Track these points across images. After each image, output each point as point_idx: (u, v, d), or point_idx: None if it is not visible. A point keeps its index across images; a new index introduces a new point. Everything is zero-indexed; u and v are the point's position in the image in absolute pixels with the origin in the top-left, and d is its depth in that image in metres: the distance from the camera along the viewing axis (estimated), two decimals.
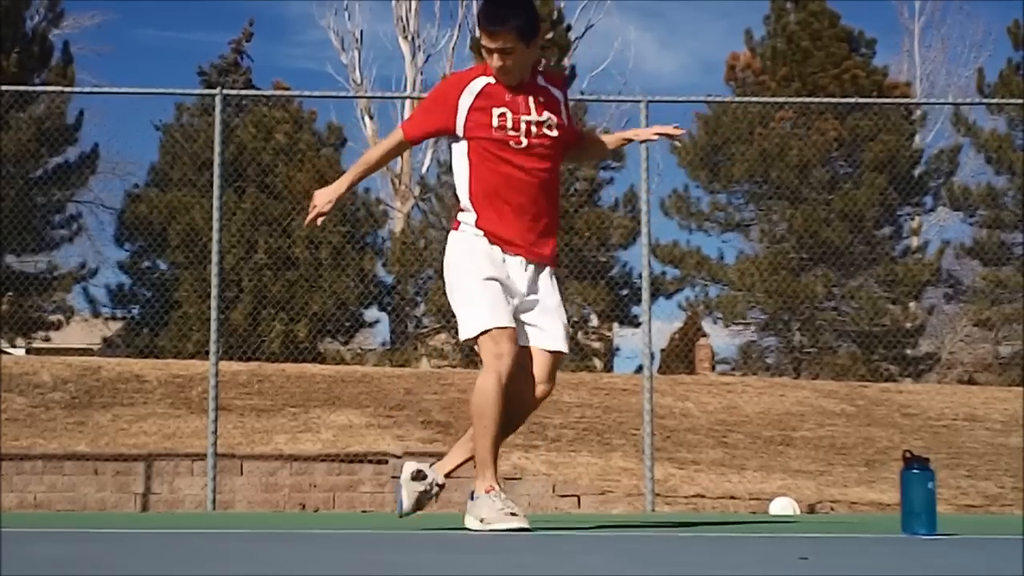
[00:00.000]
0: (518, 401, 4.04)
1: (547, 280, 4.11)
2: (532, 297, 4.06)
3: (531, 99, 4.02)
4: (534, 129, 4.01)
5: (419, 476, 4.10)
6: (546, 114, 4.04)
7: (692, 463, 8.98)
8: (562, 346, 4.09)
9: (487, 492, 3.89)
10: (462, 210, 4.10)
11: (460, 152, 4.06)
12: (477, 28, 4.07)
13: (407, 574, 2.19)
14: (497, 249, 4.01)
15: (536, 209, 4.04)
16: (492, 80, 4.01)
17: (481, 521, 3.85)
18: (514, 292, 4.02)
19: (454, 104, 4.01)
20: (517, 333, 4.01)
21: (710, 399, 10.69)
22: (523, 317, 4.05)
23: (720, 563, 2.53)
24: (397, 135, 4.21)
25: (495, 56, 3.95)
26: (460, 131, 4.02)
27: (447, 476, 4.16)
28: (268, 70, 47.02)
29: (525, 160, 4.00)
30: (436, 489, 4.13)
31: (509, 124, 3.98)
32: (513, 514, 3.82)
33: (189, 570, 2.21)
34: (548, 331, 4.06)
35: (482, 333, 3.94)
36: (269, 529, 4.25)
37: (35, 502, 8.16)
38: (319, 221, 4.23)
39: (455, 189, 4.17)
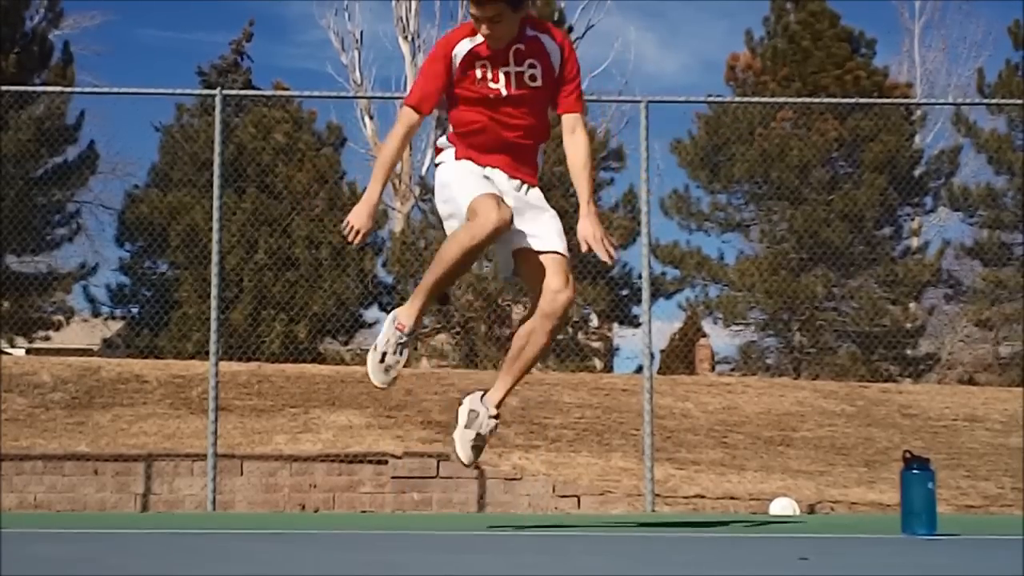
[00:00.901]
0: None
1: (536, 195, 4.21)
2: (520, 205, 4.12)
3: (512, 49, 4.07)
4: (515, 80, 4.09)
5: (473, 417, 4.11)
6: (527, 63, 4.09)
7: (692, 463, 8.97)
8: (558, 246, 4.11)
9: (399, 328, 4.07)
10: (442, 145, 4.27)
11: (447, 95, 4.20)
12: None
13: (407, 574, 2.19)
14: (479, 167, 4.15)
15: (516, 152, 4.17)
16: (478, 41, 4.08)
17: (374, 348, 4.09)
18: (504, 195, 4.10)
19: (445, 72, 4.10)
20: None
21: (710, 399, 10.69)
22: (515, 222, 4.09)
23: (720, 563, 2.53)
24: (409, 117, 4.20)
25: (484, 25, 4.01)
26: (451, 87, 4.15)
27: (498, 407, 4.16)
28: (268, 70, 47.04)
29: (507, 110, 4.11)
30: (491, 426, 4.13)
31: (490, 76, 4.08)
32: (389, 369, 4.06)
33: (189, 570, 2.21)
34: (542, 236, 4.12)
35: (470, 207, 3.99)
36: (269, 529, 4.25)
37: (35, 502, 8.15)
38: (359, 240, 4.19)
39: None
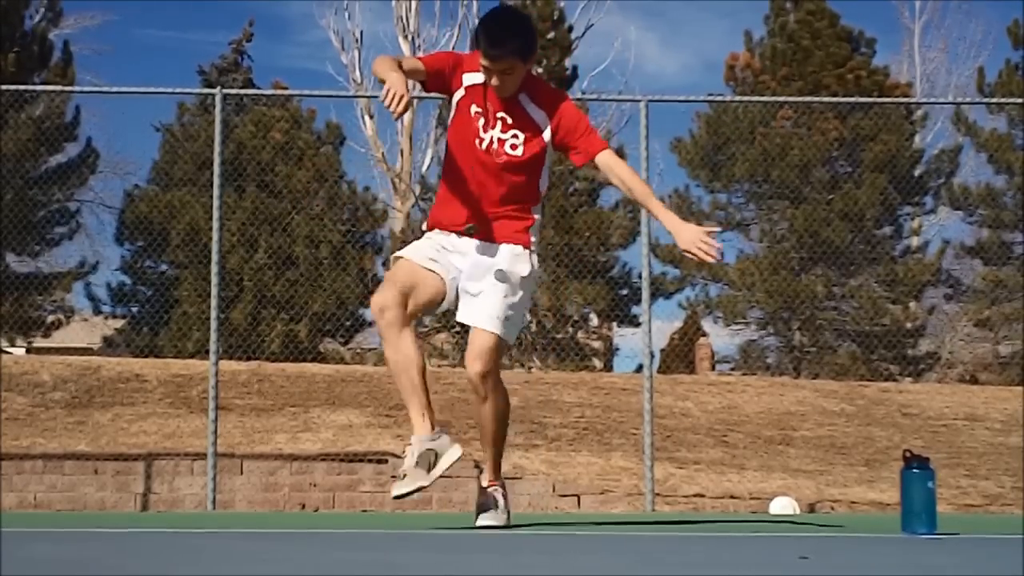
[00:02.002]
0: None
1: (505, 255, 4.10)
2: (477, 267, 4.10)
3: (501, 115, 4.08)
4: (495, 146, 4.09)
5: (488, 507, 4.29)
6: (511, 133, 4.09)
7: (692, 463, 8.98)
8: (485, 324, 4.04)
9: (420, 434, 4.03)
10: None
11: (448, 114, 4.24)
12: (477, 45, 4.05)
13: (407, 574, 2.19)
14: (442, 235, 4.17)
15: (496, 196, 4.12)
16: (482, 80, 4.10)
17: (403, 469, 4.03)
18: (457, 253, 4.12)
19: (462, 74, 4.12)
20: (444, 288, 4.12)
21: (710, 399, 10.69)
22: (462, 286, 4.11)
23: (720, 563, 2.53)
24: (418, 63, 4.15)
25: (494, 76, 4.03)
26: (455, 98, 4.14)
27: (492, 480, 4.33)
28: (270, 70, 47.01)
29: (489, 164, 4.11)
30: (501, 504, 4.29)
31: (481, 124, 4.10)
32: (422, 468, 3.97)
33: (189, 570, 2.21)
34: (477, 308, 4.08)
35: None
36: (269, 529, 4.24)
37: (35, 502, 8.15)
38: (402, 108, 3.79)
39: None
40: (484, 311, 4.06)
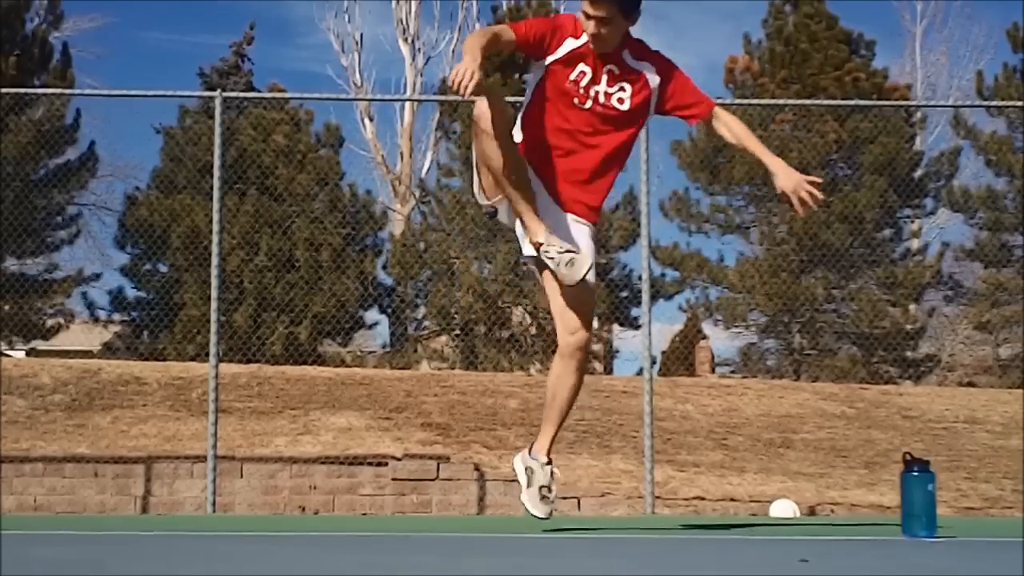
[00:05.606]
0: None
1: (582, 230, 4.14)
2: (561, 224, 4.10)
3: (608, 69, 4.10)
4: (602, 98, 4.11)
5: (530, 474, 4.10)
6: (618, 86, 4.11)
7: (692, 465, 8.97)
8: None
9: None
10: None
11: (534, 81, 4.18)
12: None
13: (407, 575, 2.19)
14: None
15: (582, 165, 4.13)
16: (581, 43, 4.09)
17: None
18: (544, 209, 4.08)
19: (560, 40, 4.08)
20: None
21: (710, 401, 10.69)
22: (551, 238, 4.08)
23: (720, 565, 2.53)
24: (507, 31, 4.06)
25: (592, 23, 4.02)
26: (547, 61, 4.09)
27: (548, 454, 4.14)
28: (272, 73, 47.05)
29: (584, 122, 4.10)
30: (549, 476, 4.10)
31: (583, 84, 4.08)
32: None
33: (189, 572, 2.21)
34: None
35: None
36: (269, 531, 4.24)
37: (35, 504, 8.15)
38: (471, 88, 3.72)
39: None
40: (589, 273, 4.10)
